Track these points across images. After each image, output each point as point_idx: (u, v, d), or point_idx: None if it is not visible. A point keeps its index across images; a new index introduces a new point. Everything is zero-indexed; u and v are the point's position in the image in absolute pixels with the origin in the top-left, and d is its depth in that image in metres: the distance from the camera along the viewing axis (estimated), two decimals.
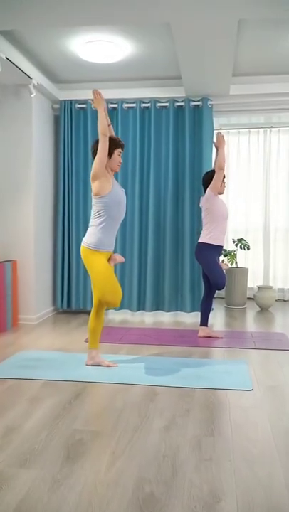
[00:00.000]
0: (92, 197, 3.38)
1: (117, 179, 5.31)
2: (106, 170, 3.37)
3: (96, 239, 3.34)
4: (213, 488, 1.88)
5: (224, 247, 6.24)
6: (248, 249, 6.14)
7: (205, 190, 4.32)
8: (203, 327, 4.43)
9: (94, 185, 3.34)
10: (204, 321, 4.43)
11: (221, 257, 6.06)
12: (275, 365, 3.57)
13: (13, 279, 4.82)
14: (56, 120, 5.57)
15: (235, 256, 6.07)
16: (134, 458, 2.12)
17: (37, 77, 4.77)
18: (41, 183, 5.19)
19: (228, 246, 6.39)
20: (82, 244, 3.40)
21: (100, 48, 4.29)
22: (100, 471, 2.01)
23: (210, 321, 5.15)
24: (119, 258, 3.53)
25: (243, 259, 6.49)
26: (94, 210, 3.39)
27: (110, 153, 3.37)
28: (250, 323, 5.20)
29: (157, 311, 5.49)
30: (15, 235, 4.99)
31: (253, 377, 3.26)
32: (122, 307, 5.43)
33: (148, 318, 5.35)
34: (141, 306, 5.44)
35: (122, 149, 3.47)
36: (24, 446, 2.23)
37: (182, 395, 2.90)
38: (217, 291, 6.42)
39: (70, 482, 1.92)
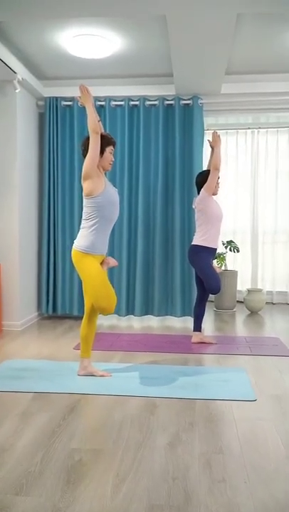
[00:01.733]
0: (84, 197, 3.20)
1: None
2: (98, 169, 3.19)
3: (88, 242, 3.16)
4: None
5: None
6: (238, 251, 6.04)
7: (199, 190, 4.18)
8: (197, 333, 4.29)
9: (86, 185, 3.16)
10: (198, 327, 4.28)
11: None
12: (274, 372, 3.44)
13: None
14: (41, 118, 5.35)
15: (224, 258, 5.96)
16: (141, 480, 1.95)
17: (21, 72, 4.55)
18: (26, 184, 4.97)
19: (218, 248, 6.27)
20: (73, 247, 3.21)
21: (88, 42, 4.11)
22: (106, 497, 1.83)
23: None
24: (112, 262, 3.36)
25: (231, 261, 6.38)
26: (86, 212, 3.21)
27: (102, 151, 3.19)
28: (242, 327, 5.08)
29: (146, 316, 5.32)
30: None
31: (254, 386, 3.13)
32: None
33: (137, 323, 5.18)
34: (130, 311, 5.27)
35: (114, 147, 3.30)
36: (19, 470, 2.03)
37: (183, 407, 2.74)
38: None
39: (74, 511, 1.74)
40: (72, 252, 3.21)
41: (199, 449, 2.23)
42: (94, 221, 3.16)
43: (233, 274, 5.92)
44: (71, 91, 5.07)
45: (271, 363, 3.67)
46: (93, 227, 3.16)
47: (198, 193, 4.18)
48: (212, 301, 6.16)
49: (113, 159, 3.31)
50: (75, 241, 3.23)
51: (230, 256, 6.29)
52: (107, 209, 3.17)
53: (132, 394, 2.93)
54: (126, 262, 5.20)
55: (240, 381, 3.19)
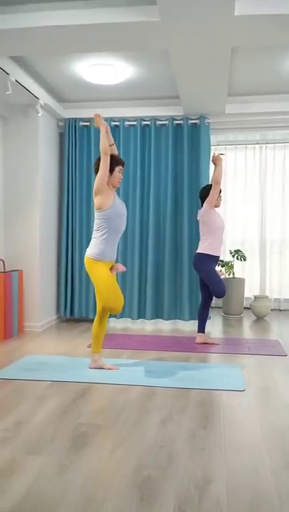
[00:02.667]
0: (95, 210, 3.63)
1: (118, 193, 5.58)
2: (107, 185, 3.62)
3: (99, 250, 3.57)
4: (205, 473, 2.09)
5: (221, 258, 6.49)
6: (245, 260, 6.37)
7: (202, 203, 4.56)
8: (201, 334, 4.65)
9: (96, 200, 3.59)
10: (201, 328, 4.65)
11: (218, 267, 6.30)
12: (267, 369, 3.78)
13: (19, 288, 5.05)
14: (61, 137, 5.85)
15: (232, 267, 6.30)
16: (133, 447, 2.33)
17: (44, 97, 5.05)
18: (46, 197, 5.45)
19: (226, 257, 6.62)
20: (86, 255, 3.64)
21: (103, 70, 4.58)
22: (103, 458, 2.22)
23: (208, 328, 5.38)
24: (120, 267, 3.76)
25: (239, 269, 6.72)
26: (96, 223, 3.63)
27: (111, 170, 3.62)
28: (246, 331, 5.41)
29: (157, 319, 5.72)
30: (22, 247, 5.24)
31: (245, 379, 3.47)
32: (123, 315, 5.66)
33: (148, 326, 5.57)
34: (141, 315, 5.67)
35: (123, 166, 3.71)
36: (33, 438, 2.44)
37: (179, 395, 3.11)
38: (214, 301, 6.67)
39: (76, 467, 2.13)
40: (85, 259, 3.64)
41: (187, 426, 2.61)
42: (103, 231, 3.59)
43: (241, 281, 6.25)
44: (88, 112, 5.57)
45: (266, 361, 4.01)
46: (103, 237, 3.58)
47: (202, 206, 4.56)
48: (220, 307, 6.51)
49: (122, 177, 3.73)
50: (87, 249, 3.65)
51: (238, 264, 6.64)
52: (114, 221, 3.59)
53: (135, 383, 3.31)
54: (138, 269, 5.61)
55: (234, 375, 3.54)
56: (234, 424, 2.63)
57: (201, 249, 4.53)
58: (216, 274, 4.46)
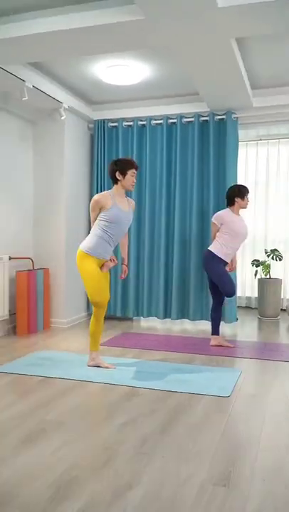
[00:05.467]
0: None
1: (144, 193, 5.60)
2: (118, 189, 3.67)
3: (91, 244, 3.62)
4: (131, 478, 2.07)
5: (256, 258, 6.26)
6: (281, 259, 6.08)
7: (228, 203, 4.43)
8: (215, 336, 4.53)
9: None
10: (215, 331, 4.52)
11: (254, 268, 6.07)
12: (269, 374, 3.60)
13: (44, 285, 5.26)
14: (92, 138, 5.98)
15: (268, 267, 6.04)
16: (77, 447, 2.36)
17: (68, 100, 5.20)
18: (74, 198, 5.60)
19: (261, 257, 6.37)
20: (79, 247, 3.71)
21: (121, 71, 4.60)
22: (44, 455, 2.27)
23: (232, 331, 5.23)
24: (111, 263, 3.79)
25: (276, 269, 6.42)
26: (96, 221, 3.69)
27: (124, 174, 3.65)
28: (274, 334, 5.16)
29: (182, 320, 5.66)
30: (49, 247, 5.46)
31: (238, 385, 3.34)
32: (150, 314, 5.67)
33: (174, 326, 5.53)
34: (167, 315, 5.64)
35: (136, 170, 3.70)
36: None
37: (159, 398, 3.08)
38: (238, 300, 6.41)
39: (14, 461, 2.21)
40: (77, 252, 3.70)
41: (144, 430, 2.57)
42: (99, 230, 3.64)
43: (277, 282, 5.97)
44: (116, 113, 5.66)
45: (274, 366, 3.81)
46: (98, 235, 3.63)
47: (227, 205, 4.44)
48: (255, 308, 6.27)
49: (135, 181, 3.72)
50: (82, 241, 3.72)
51: (275, 264, 6.34)
52: (111, 226, 3.62)
53: (122, 383, 3.32)
54: (163, 269, 5.58)
55: (227, 380, 3.42)
56: (193, 431, 2.56)
57: (212, 247, 4.38)
58: (225, 273, 4.30)
